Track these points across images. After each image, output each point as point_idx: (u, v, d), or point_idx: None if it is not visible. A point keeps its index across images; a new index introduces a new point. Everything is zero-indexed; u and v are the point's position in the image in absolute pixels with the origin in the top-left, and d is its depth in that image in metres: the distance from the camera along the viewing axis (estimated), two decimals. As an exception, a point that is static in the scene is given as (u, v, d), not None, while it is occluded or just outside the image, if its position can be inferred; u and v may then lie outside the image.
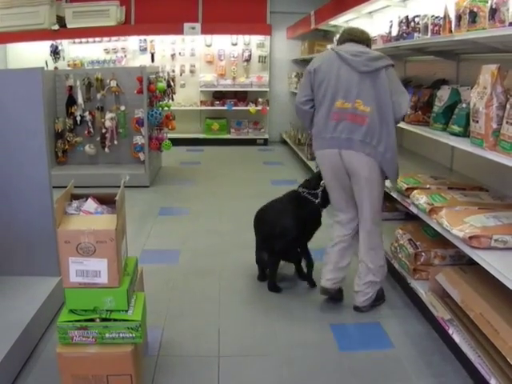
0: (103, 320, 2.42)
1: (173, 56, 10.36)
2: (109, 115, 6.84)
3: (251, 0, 10.25)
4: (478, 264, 2.57)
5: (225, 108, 10.34)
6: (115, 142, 6.95)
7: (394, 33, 4.39)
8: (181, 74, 10.37)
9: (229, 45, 10.38)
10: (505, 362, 2.32)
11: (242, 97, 10.49)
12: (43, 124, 3.25)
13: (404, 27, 4.10)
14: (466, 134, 3.02)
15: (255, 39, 10.39)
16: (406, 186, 3.54)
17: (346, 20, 7.17)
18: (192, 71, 10.44)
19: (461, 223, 2.72)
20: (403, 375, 2.81)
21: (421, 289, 3.26)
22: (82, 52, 10.23)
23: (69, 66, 9.98)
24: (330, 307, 3.56)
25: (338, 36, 3.67)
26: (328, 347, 3.08)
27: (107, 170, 6.84)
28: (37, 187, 3.30)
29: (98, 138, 6.99)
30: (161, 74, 7.71)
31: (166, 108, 7.43)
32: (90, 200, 2.64)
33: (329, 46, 6.37)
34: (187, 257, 4.45)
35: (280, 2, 10.26)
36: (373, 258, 3.37)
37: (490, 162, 2.60)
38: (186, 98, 10.36)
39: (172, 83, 8.11)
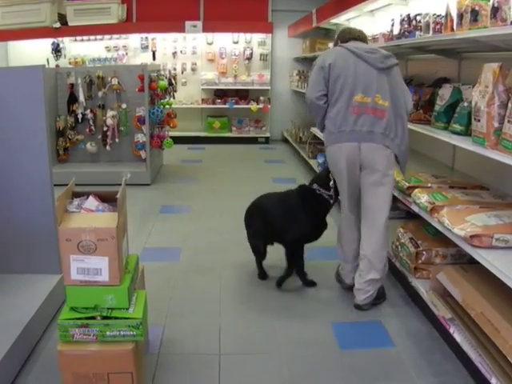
0: (104, 318, 2.42)
1: (174, 54, 10.37)
2: (110, 113, 6.83)
3: (253, -2, 10.26)
4: (479, 263, 2.57)
5: (226, 106, 10.35)
6: (116, 140, 6.95)
7: (396, 31, 4.39)
8: (182, 72, 10.38)
9: (230, 43, 10.38)
10: (505, 361, 2.32)
11: (243, 95, 10.49)
12: (44, 122, 3.25)
13: (406, 25, 4.09)
14: (467, 132, 3.02)
15: (257, 37, 10.39)
16: (407, 185, 3.54)
17: (348, 18, 7.17)
18: (193, 69, 10.45)
19: (462, 222, 2.72)
20: (404, 374, 2.81)
21: (422, 287, 3.26)
22: (83, 50, 10.24)
23: (70, 63, 9.99)
24: (331, 306, 3.57)
25: (336, 35, 3.69)
26: (329, 346, 3.08)
27: (108, 167, 6.84)
28: (38, 185, 3.30)
29: (100, 136, 6.99)
30: (162, 72, 7.70)
31: (167, 106, 7.43)
32: (91, 198, 2.64)
33: (330, 45, 6.38)
34: (188, 255, 4.45)
35: (281, 0, 10.27)
36: (380, 255, 3.38)
37: (491, 160, 2.60)
38: (187, 96, 10.37)
39: (173, 81, 8.11)
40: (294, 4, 10.01)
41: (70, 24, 9.74)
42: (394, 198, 3.87)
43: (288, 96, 10.74)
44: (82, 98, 6.89)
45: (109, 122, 6.82)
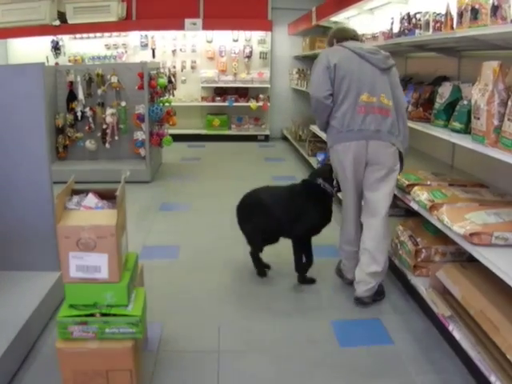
0: (103, 315, 2.42)
1: (174, 52, 10.36)
2: (109, 111, 6.83)
3: (252, -4, 10.25)
4: (478, 261, 2.57)
5: (226, 104, 10.33)
6: (116, 138, 6.96)
7: (396, 29, 4.38)
8: (182, 70, 10.37)
9: (230, 41, 10.38)
10: (505, 359, 2.32)
11: (243, 93, 10.49)
12: (44, 119, 3.25)
13: (405, 24, 4.09)
14: (467, 130, 3.02)
15: (256, 35, 10.38)
16: (406, 183, 3.54)
17: (348, 16, 7.18)
18: (193, 67, 10.44)
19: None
20: (403, 372, 2.81)
21: (421, 285, 3.26)
22: (82, 48, 10.23)
23: (69, 61, 9.99)
24: (330, 303, 3.57)
25: (331, 35, 3.75)
26: (328, 343, 3.09)
27: (108, 165, 6.84)
28: (37, 182, 3.30)
29: (99, 134, 6.99)
30: (162, 70, 7.70)
31: (166, 104, 7.42)
32: (90, 195, 2.64)
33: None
34: (187, 252, 4.45)
35: (281, -2, 10.26)
36: (381, 247, 3.43)
37: (491, 158, 2.59)
38: (186, 94, 10.36)
39: (173, 79, 8.11)
40: (293, 2, 9.99)
41: (69, 22, 9.73)
42: (394, 196, 3.88)
43: (288, 94, 10.73)
44: (81, 95, 6.88)
45: (108, 119, 6.83)
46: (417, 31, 3.87)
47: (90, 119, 6.95)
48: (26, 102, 3.21)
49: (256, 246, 3.94)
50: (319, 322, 3.32)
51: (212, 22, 9.90)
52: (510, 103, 2.42)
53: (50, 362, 2.65)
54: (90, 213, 2.55)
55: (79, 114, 6.92)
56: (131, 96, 6.93)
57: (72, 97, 6.95)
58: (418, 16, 3.91)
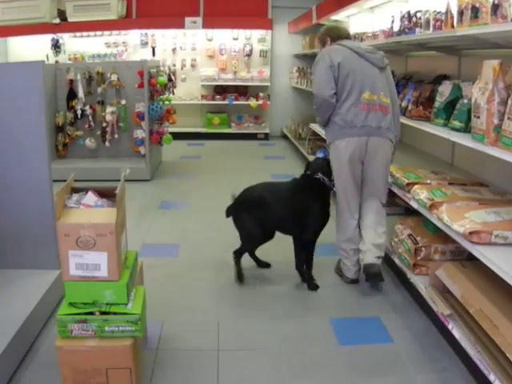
0: (103, 313, 2.42)
1: (174, 50, 10.36)
2: (109, 109, 6.83)
3: (252, -6, 10.24)
4: (478, 259, 2.57)
5: (226, 102, 10.34)
6: (116, 136, 6.95)
7: (396, 28, 4.38)
8: (182, 68, 10.37)
9: (230, 39, 10.36)
10: (504, 358, 2.32)
11: (242, 91, 10.49)
12: (44, 117, 3.25)
13: (406, 22, 4.08)
14: (467, 129, 3.02)
15: (256, 34, 10.37)
16: (406, 181, 3.54)
17: (348, 15, 7.17)
18: (193, 65, 10.44)
19: (461, 218, 2.72)
20: (402, 370, 2.81)
21: (421, 284, 3.26)
22: (82, 46, 10.22)
23: (69, 59, 9.97)
24: (329, 301, 3.57)
25: (324, 34, 3.83)
26: (327, 341, 3.09)
27: (107, 163, 6.84)
28: (37, 180, 3.30)
29: (99, 132, 6.99)
30: (162, 68, 7.71)
31: (166, 102, 7.42)
32: (90, 193, 2.64)
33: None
34: (187, 250, 4.45)
35: (281, -3, 10.25)
36: (380, 221, 3.68)
37: (491, 157, 2.59)
38: (186, 92, 10.36)
39: (173, 77, 8.12)
40: (293, 0, 9.98)
41: (69, 20, 9.71)
42: (394, 195, 3.89)
43: (287, 92, 10.73)
44: (81, 93, 6.89)
45: (108, 117, 6.82)
46: (417, 30, 3.86)
47: (90, 117, 6.94)
48: (25, 100, 3.20)
49: (253, 245, 3.90)
50: (319, 321, 3.32)
51: (212, 20, 9.89)
52: (510, 102, 2.42)
53: (50, 360, 2.65)
54: (89, 211, 2.55)
55: (79, 112, 6.92)
56: (131, 94, 6.93)
57: (72, 95, 6.95)
58: (418, 14, 3.91)
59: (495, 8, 2.54)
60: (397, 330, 3.20)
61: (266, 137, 10.52)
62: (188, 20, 9.83)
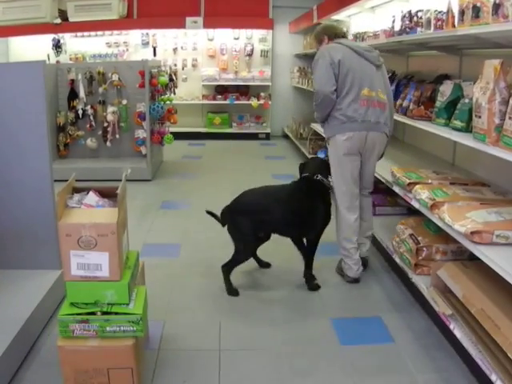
0: (104, 313, 2.42)
1: (175, 50, 10.37)
2: (110, 109, 6.84)
3: (253, -6, 10.24)
4: (479, 259, 2.57)
5: (227, 102, 10.35)
6: (117, 136, 6.96)
7: (397, 27, 4.37)
8: (183, 68, 10.38)
9: (231, 39, 10.37)
10: (506, 358, 2.31)
11: (244, 91, 10.49)
12: (45, 117, 3.25)
13: (407, 22, 4.08)
14: (468, 129, 3.01)
15: (257, 33, 10.38)
16: (407, 181, 3.53)
17: (349, 15, 7.16)
18: (194, 65, 10.44)
19: (463, 218, 2.72)
20: (404, 369, 2.81)
21: (422, 284, 3.25)
22: (83, 46, 10.23)
23: (71, 59, 9.99)
24: (331, 301, 3.57)
25: (321, 32, 3.93)
26: (329, 341, 3.09)
27: (109, 163, 6.85)
28: (38, 180, 3.30)
29: (100, 132, 6.99)
30: (163, 68, 7.70)
31: (167, 102, 7.41)
32: (91, 193, 2.64)
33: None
34: (188, 250, 4.46)
35: (282, -4, 10.24)
36: (371, 216, 4.01)
37: (492, 157, 2.59)
38: (187, 92, 10.37)
39: (174, 77, 8.10)
40: (294, 0, 9.98)
41: (70, 20, 9.73)
42: (395, 195, 3.89)
43: (289, 92, 10.73)
44: (82, 93, 6.89)
45: (109, 117, 6.82)
46: (418, 29, 3.86)
47: (91, 117, 6.94)
48: (26, 100, 3.20)
49: (247, 255, 3.78)
50: (320, 320, 3.32)
51: (213, 20, 9.89)
52: (511, 101, 2.41)
53: (52, 360, 2.65)
54: (90, 211, 2.55)
55: (80, 112, 6.92)
56: (132, 94, 6.94)
57: (73, 95, 6.95)
58: (419, 14, 3.91)
59: (496, 7, 2.54)
60: (398, 330, 3.20)
61: (267, 137, 10.52)
62: (189, 20, 9.84)
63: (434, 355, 2.93)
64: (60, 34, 10.00)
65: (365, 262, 3.93)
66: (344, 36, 3.88)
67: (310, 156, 7.45)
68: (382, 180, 4.06)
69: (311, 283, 3.74)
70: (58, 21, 9.61)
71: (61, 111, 6.97)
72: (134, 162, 6.90)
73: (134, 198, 5.42)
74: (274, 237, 3.83)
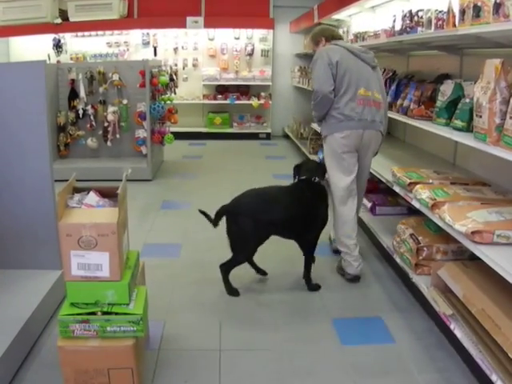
0: (104, 313, 2.42)
1: (175, 50, 10.37)
2: (111, 109, 6.84)
3: (254, -6, 10.24)
4: (480, 259, 2.56)
5: (227, 102, 10.35)
6: (117, 136, 6.96)
7: (398, 27, 4.37)
8: (183, 68, 10.38)
9: (231, 39, 10.37)
10: (506, 358, 2.31)
11: (244, 91, 10.49)
12: (45, 117, 3.25)
13: (407, 21, 4.08)
14: (469, 128, 3.01)
15: (258, 33, 10.38)
16: (408, 181, 3.53)
17: (349, 14, 7.16)
18: (195, 65, 10.44)
19: (463, 218, 2.72)
20: (405, 370, 2.81)
21: (423, 284, 3.25)
22: (84, 46, 10.24)
23: (71, 59, 10.00)
24: (331, 301, 3.57)
25: (318, 34, 3.99)
26: (330, 341, 3.09)
27: (109, 163, 6.85)
28: (39, 180, 3.30)
29: (100, 132, 6.99)
30: (163, 68, 7.69)
31: (168, 102, 7.40)
32: (91, 193, 2.64)
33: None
34: (189, 250, 4.45)
35: (283, -4, 10.24)
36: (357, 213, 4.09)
37: (493, 157, 2.59)
38: (188, 92, 10.37)
39: (174, 77, 8.09)
40: (295, 0, 9.98)
41: (71, 20, 9.73)
42: (396, 194, 3.89)
43: (289, 92, 10.73)
44: (82, 93, 6.89)
45: (110, 117, 6.83)
46: (419, 29, 3.86)
47: (92, 117, 6.94)
48: (27, 100, 3.20)
49: (248, 255, 3.76)
50: (320, 321, 3.32)
51: (214, 19, 9.90)
52: (512, 101, 2.41)
53: (52, 360, 2.65)
54: (91, 211, 2.55)
55: (81, 111, 6.92)
56: (133, 94, 6.94)
57: (73, 95, 6.96)
58: (419, 14, 3.91)
59: (497, 7, 2.53)
60: (399, 330, 3.19)
61: (268, 136, 10.52)
62: (190, 19, 9.84)
63: (434, 355, 2.93)
64: (60, 34, 10.00)
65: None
66: (341, 38, 4.01)
67: (310, 156, 7.45)
68: (383, 180, 4.06)
69: (311, 284, 3.73)
70: (59, 21, 9.61)
71: (61, 111, 6.97)
72: (134, 161, 6.90)
73: (134, 198, 5.42)
74: (274, 238, 3.82)
